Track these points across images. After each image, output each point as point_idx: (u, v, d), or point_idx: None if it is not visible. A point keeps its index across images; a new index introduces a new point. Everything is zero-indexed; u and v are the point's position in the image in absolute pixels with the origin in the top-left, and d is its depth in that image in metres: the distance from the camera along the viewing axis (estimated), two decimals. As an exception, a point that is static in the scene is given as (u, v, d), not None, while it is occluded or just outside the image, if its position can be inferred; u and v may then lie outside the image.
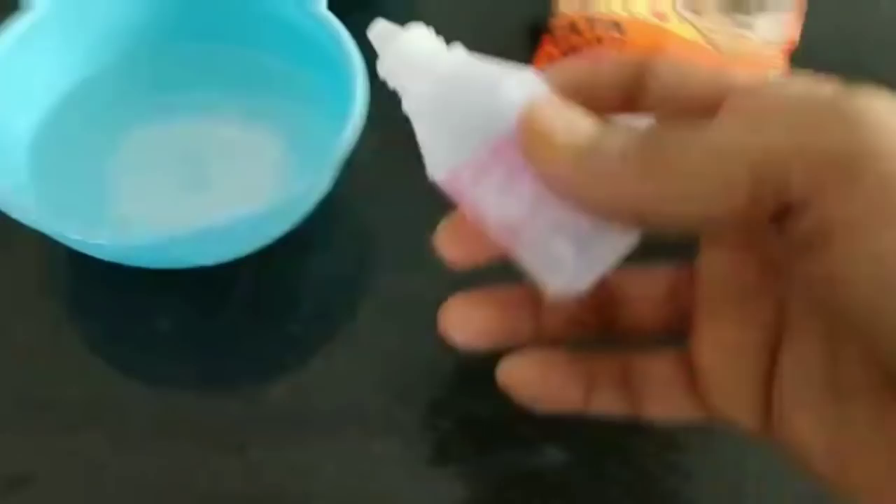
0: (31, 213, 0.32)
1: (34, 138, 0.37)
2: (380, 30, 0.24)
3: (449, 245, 0.24)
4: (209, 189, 0.37)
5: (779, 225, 0.20)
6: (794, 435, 0.22)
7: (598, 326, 0.26)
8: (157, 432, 0.33)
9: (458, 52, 0.23)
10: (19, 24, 0.35)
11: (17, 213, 0.31)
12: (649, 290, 0.26)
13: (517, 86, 0.22)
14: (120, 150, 0.38)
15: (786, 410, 0.22)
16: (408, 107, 0.23)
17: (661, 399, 0.25)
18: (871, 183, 0.18)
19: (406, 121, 0.24)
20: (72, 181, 0.37)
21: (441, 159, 0.23)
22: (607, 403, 0.25)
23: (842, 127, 0.18)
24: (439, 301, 0.26)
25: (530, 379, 0.25)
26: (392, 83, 0.24)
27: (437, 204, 0.24)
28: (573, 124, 0.21)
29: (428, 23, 0.24)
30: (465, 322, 0.25)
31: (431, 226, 0.25)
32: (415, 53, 0.23)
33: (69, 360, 0.35)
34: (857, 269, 0.18)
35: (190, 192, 0.37)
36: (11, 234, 0.34)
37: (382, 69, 0.24)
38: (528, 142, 0.21)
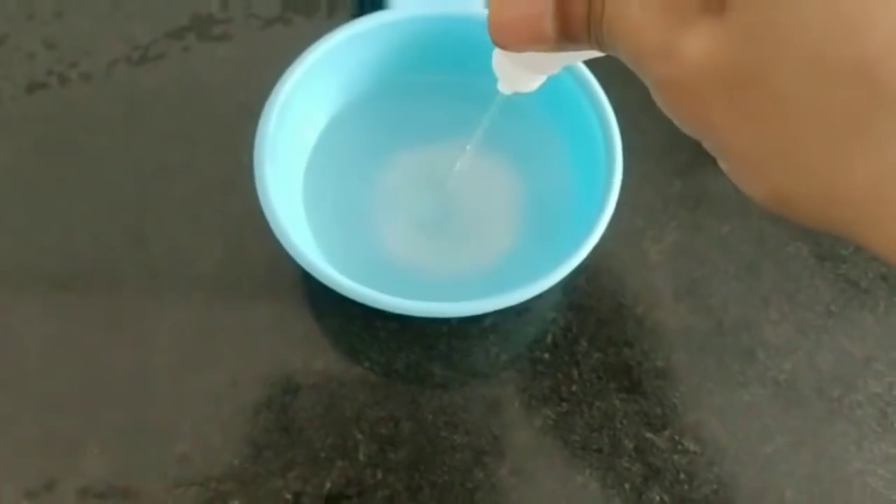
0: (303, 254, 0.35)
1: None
2: None
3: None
4: (452, 229, 0.41)
5: None
6: None
7: None
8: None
9: None
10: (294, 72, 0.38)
11: (290, 248, 0.35)
12: None
13: None
14: (375, 178, 0.41)
15: None
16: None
17: None
18: None
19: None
20: (334, 209, 0.40)
21: None
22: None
23: None
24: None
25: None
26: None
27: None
28: None
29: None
30: None
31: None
32: None
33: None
34: None
35: (434, 231, 0.41)
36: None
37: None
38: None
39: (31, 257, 0.41)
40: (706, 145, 0.20)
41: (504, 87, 0.30)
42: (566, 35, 0.21)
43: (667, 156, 0.43)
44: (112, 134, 0.44)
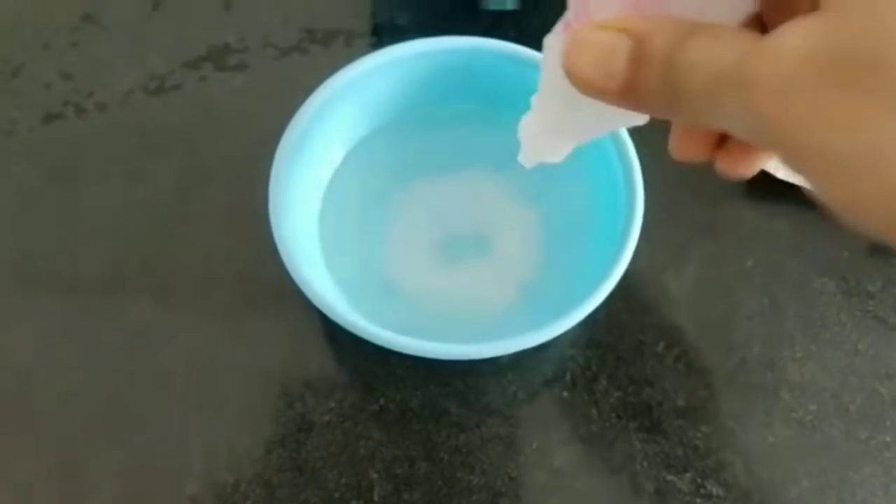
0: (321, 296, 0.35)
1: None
2: None
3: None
4: (470, 263, 0.40)
5: None
6: None
7: None
8: None
9: None
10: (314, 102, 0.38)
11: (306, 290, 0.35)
12: None
13: None
14: (392, 210, 0.41)
15: None
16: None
17: None
18: None
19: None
20: (350, 241, 0.41)
21: None
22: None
23: None
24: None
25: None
26: None
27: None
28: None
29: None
30: None
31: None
32: None
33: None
34: None
35: (451, 265, 0.40)
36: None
37: None
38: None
39: (43, 287, 0.41)
40: (783, 154, 0.19)
41: (528, 158, 0.28)
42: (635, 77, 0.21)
43: (688, 187, 0.43)
44: (127, 164, 0.43)
